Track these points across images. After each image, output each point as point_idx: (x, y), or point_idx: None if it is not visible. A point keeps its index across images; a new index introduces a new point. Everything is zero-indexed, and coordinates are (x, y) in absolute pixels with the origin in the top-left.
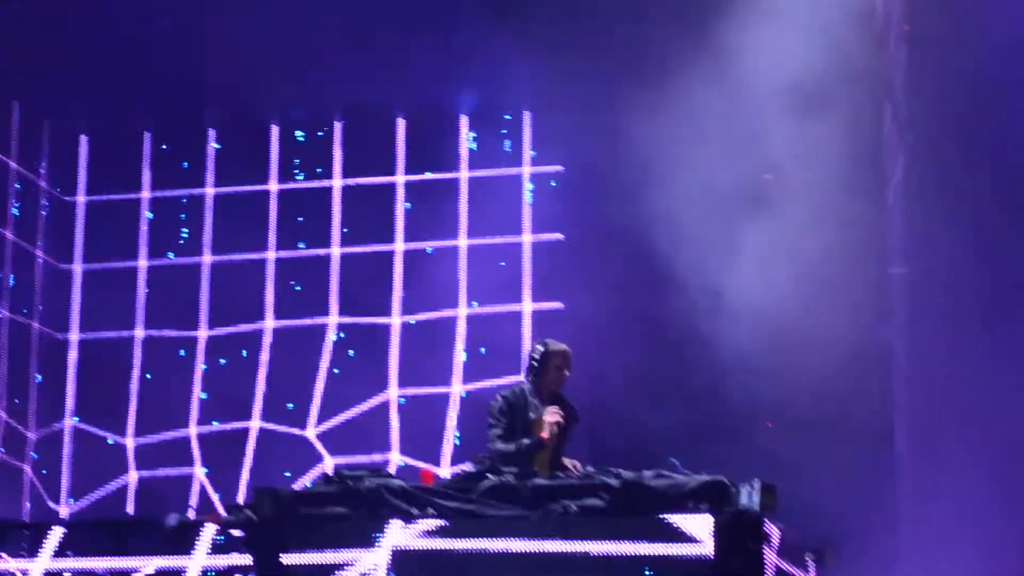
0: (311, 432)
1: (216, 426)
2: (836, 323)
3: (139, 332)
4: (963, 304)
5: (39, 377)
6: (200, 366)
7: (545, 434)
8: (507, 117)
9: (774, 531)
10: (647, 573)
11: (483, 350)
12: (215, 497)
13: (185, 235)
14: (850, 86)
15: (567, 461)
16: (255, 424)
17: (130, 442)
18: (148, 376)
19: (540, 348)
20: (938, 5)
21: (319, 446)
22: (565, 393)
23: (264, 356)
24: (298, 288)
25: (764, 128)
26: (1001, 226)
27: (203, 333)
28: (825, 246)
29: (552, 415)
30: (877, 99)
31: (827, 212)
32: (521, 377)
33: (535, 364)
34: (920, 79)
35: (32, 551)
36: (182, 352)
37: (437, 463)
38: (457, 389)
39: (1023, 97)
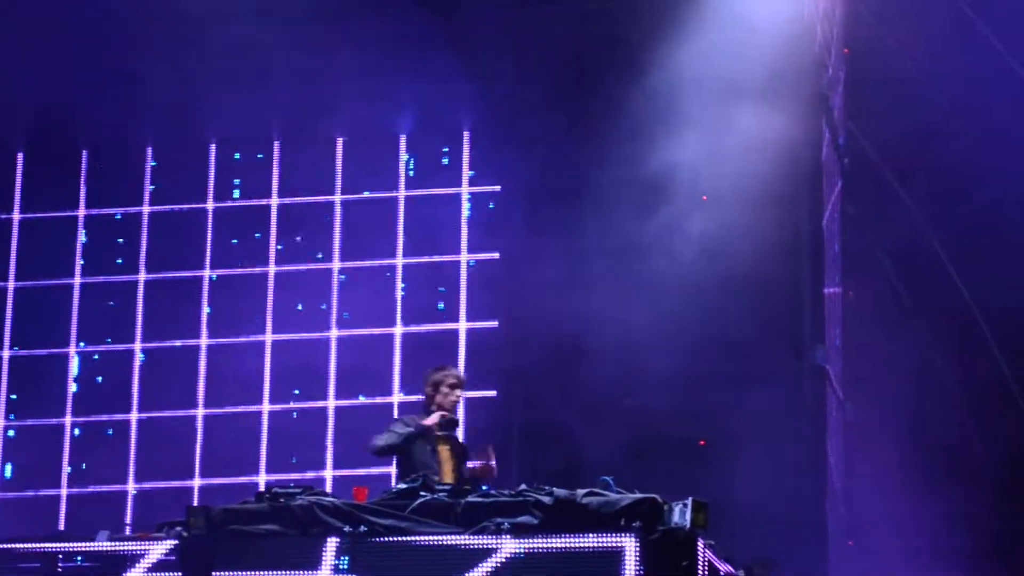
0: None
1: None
2: (771, 341)
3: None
4: (894, 320)
5: None
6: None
7: (428, 422)
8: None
9: (706, 548)
10: None
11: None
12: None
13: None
14: (789, 103)
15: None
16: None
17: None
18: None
19: (428, 373)
20: (876, 30)
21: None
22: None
23: (202, 371)
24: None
25: (699, 146)
26: (937, 253)
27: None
28: (758, 265)
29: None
30: (815, 120)
31: (761, 229)
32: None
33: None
34: (859, 105)
35: None
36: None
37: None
38: (397, 399)
39: (960, 129)
